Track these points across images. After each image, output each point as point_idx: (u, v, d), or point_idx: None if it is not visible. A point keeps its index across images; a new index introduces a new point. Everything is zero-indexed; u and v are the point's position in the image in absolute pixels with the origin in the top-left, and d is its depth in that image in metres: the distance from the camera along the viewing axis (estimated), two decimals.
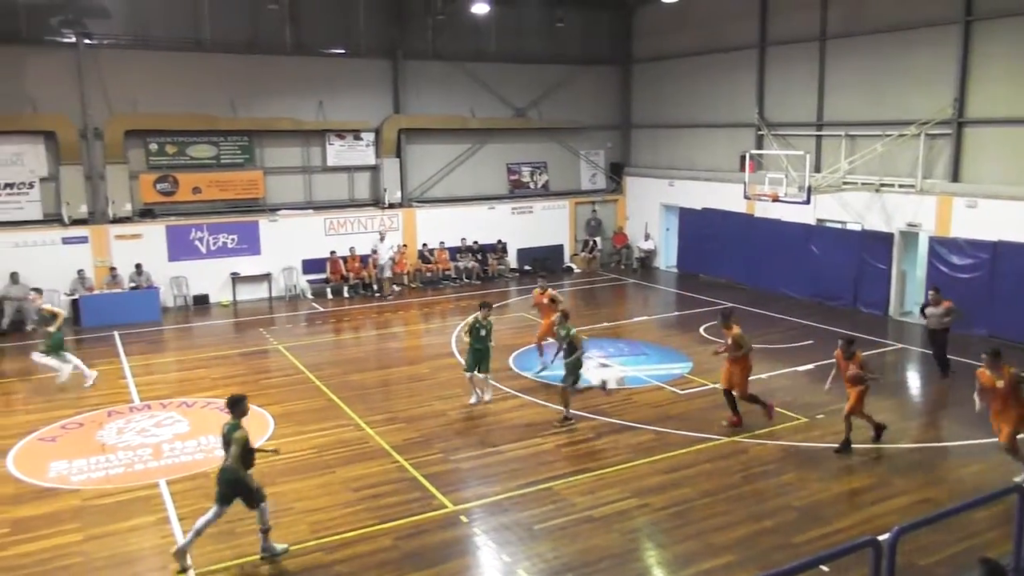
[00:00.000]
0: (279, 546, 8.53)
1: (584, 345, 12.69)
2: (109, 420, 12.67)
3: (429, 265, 23.93)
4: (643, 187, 26.81)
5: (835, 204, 20.13)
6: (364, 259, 22.78)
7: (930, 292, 14.69)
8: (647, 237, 26.24)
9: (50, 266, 19.29)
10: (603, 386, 13.00)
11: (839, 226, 20.25)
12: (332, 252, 22.30)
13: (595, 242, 26.70)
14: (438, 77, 24.32)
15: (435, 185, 25.19)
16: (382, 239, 22.58)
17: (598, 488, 10.08)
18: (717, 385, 12.91)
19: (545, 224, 26.15)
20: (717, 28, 23.50)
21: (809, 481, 10.24)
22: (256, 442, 11.40)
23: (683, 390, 13.82)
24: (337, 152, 23.57)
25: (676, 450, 11.24)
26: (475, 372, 13.00)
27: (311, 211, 22.97)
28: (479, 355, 12.89)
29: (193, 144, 21.64)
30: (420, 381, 14.69)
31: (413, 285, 23.51)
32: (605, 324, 18.94)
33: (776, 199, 19.62)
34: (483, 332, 12.76)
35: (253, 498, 8.38)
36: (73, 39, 19.78)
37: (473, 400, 13.14)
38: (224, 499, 8.26)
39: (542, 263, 25.65)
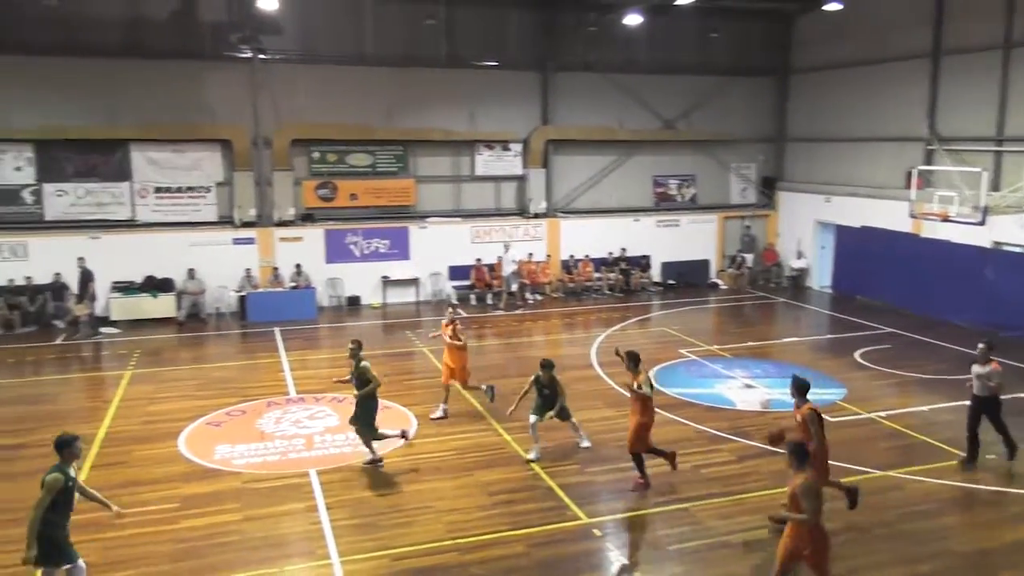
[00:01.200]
0: None
1: (375, 380, 10.98)
2: (268, 410, 13.51)
3: (571, 276, 23.99)
4: (797, 202, 25.72)
5: (1016, 226, 18.49)
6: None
7: (980, 345, 11.11)
8: (799, 255, 25.13)
9: (222, 264, 20.87)
10: (403, 434, 11.51)
11: (1020, 250, 18.58)
12: (478, 260, 22.80)
13: (744, 258, 25.86)
14: (587, 88, 24.39)
15: (580, 196, 25.25)
16: (506, 249, 22.57)
17: (736, 513, 9.73)
18: (874, 415, 12.15)
19: (691, 238, 25.60)
20: (884, 37, 22.21)
21: (975, 526, 9.45)
22: (397, 443, 11.84)
23: (834, 417, 13.11)
24: (485, 162, 24.11)
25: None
26: (542, 418, 11.41)
27: (458, 219, 23.61)
28: (548, 403, 11.45)
29: (352, 152, 22.79)
30: None
31: (555, 295, 23.64)
32: (751, 343, 18.29)
33: (946, 219, 18.27)
34: (546, 391, 11.45)
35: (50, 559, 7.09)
36: (249, 55, 21.33)
37: (582, 440, 11.85)
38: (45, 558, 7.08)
39: (686, 278, 25.14)
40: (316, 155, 22.55)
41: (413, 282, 22.79)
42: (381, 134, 22.70)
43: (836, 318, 21.09)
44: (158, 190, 21.23)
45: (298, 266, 21.38)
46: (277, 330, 19.38)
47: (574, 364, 16.49)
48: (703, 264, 25.81)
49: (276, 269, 21.34)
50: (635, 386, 10.22)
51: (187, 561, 8.63)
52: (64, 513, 7.15)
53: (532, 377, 11.48)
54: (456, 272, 23.11)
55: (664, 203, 26.14)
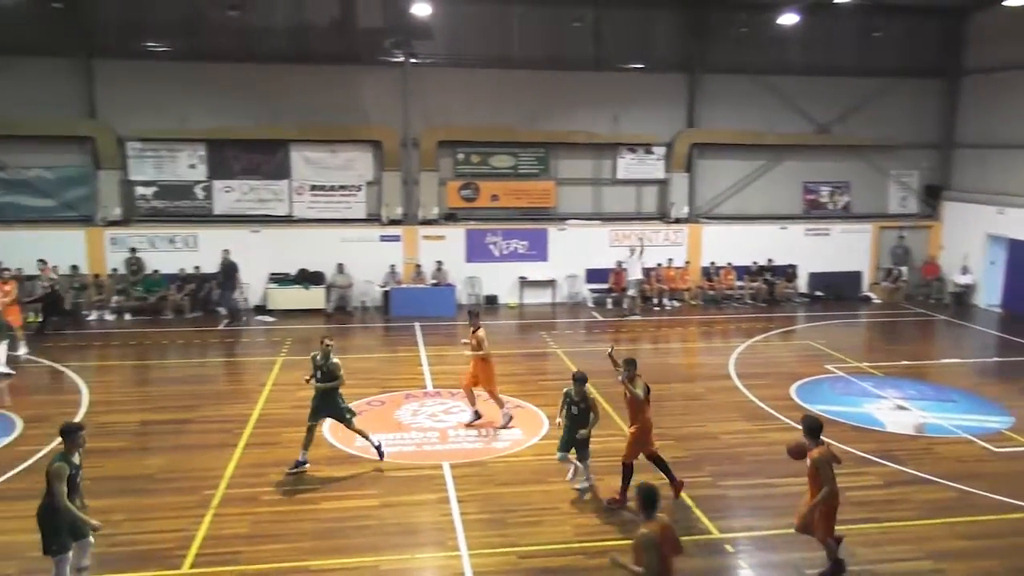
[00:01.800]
0: None
1: (341, 376, 11.02)
2: (406, 402, 14.00)
3: (712, 283, 23.38)
4: (964, 213, 23.86)
5: None
6: (648, 272, 22.88)
7: None
8: (965, 270, 23.30)
9: (368, 260, 21.81)
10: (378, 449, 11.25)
11: None
12: (618, 263, 22.62)
13: (900, 271, 24.29)
14: (735, 90, 23.67)
15: (725, 201, 24.55)
16: (632, 253, 21.92)
17: (884, 542, 9.16)
18: None
19: (843, 248, 24.30)
20: None
21: None
22: (529, 441, 11.96)
23: (999, 447, 12.09)
24: (627, 165, 23.90)
25: (983, 514, 9.86)
26: (567, 452, 10.45)
27: (598, 222, 23.54)
28: (578, 421, 10.27)
29: (495, 154, 23.21)
30: (694, 400, 14.39)
31: (694, 302, 23.11)
32: (906, 362, 17.14)
33: None
34: (575, 411, 10.20)
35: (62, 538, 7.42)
36: (401, 59, 22.15)
37: (577, 482, 10.57)
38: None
39: (835, 290, 23.91)
40: (461, 156, 23.13)
41: (550, 284, 22.92)
42: (524, 136, 22.99)
43: (1005, 340, 19.42)
44: (313, 188, 22.45)
45: (439, 264, 22.00)
46: (417, 325, 20.02)
47: (711, 374, 16.08)
48: (855, 276, 24.46)
49: (419, 266, 22.06)
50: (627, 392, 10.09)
51: (327, 540, 9.08)
52: (71, 496, 7.39)
53: (564, 392, 10.39)
54: (593, 275, 23.05)
55: (814, 211, 24.97)
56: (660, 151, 23.85)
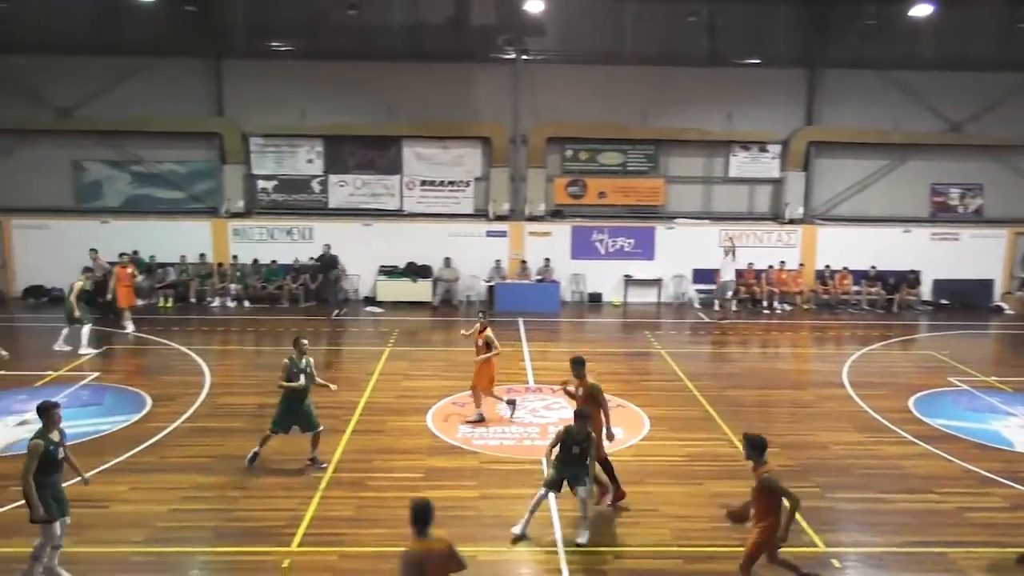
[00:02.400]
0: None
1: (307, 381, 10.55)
2: (508, 396, 14.09)
3: (827, 287, 22.47)
4: None
5: None
6: (758, 274, 22.23)
7: None
8: None
9: (475, 255, 22.13)
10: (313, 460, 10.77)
11: None
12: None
13: None
14: (858, 86, 22.64)
15: (843, 203, 23.54)
16: (727, 254, 21.12)
17: (1007, 569, 8.57)
18: None
19: (973, 254, 22.85)
20: None
21: None
22: (629, 441, 11.85)
23: None
24: (740, 163, 23.27)
25: None
26: (559, 491, 9.24)
27: (707, 221, 23.02)
28: (575, 465, 9.09)
29: (604, 151, 23.07)
30: (803, 407, 13.88)
31: (806, 307, 22.28)
32: None
33: None
34: (576, 449, 9.04)
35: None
36: (513, 56, 22.32)
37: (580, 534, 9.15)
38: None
39: (962, 298, 22.52)
40: (569, 153, 23.11)
41: (656, 283, 22.61)
42: (634, 133, 22.74)
43: None
44: (424, 183, 22.95)
45: (547, 260, 22.06)
46: (521, 320, 20.16)
47: (822, 381, 15.46)
48: (985, 284, 22.97)
49: (524, 262, 22.20)
50: (577, 390, 9.92)
51: None
52: (48, 473, 7.64)
53: (562, 428, 9.21)
54: (701, 275, 22.57)
55: (942, 214, 23.60)
56: (775, 149, 23.11)
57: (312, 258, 21.97)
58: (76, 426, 12.25)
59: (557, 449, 9.10)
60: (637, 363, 16.87)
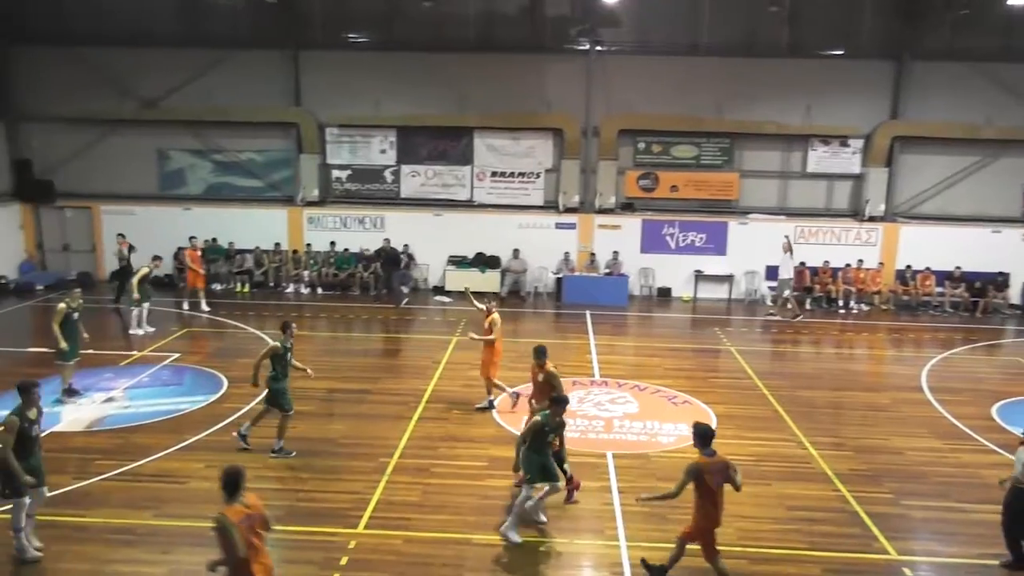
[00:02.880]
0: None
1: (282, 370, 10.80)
2: (572, 389, 14.06)
3: (907, 288, 21.68)
4: None
5: None
6: (835, 272, 21.62)
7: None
8: None
9: (543, 246, 22.15)
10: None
11: None
12: (801, 263, 21.52)
13: None
14: (949, 79, 21.67)
15: (927, 200, 22.65)
16: (786, 251, 20.55)
17: None
18: None
19: None
20: None
21: None
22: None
23: None
24: (819, 158, 22.61)
25: None
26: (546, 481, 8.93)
27: (782, 217, 22.47)
28: (545, 458, 8.92)
29: (677, 144, 22.73)
30: (878, 411, 13.45)
31: (885, 307, 21.55)
32: None
33: None
34: (551, 438, 8.96)
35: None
36: (586, 47, 22.18)
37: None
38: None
39: None
40: (641, 145, 22.86)
41: (727, 279, 22.22)
42: (709, 126, 22.34)
43: None
44: (494, 174, 23.04)
45: (615, 253, 21.91)
46: (588, 313, 20.08)
47: (899, 384, 14.97)
48: None
49: (593, 255, 22.10)
50: (537, 376, 10.27)
51: (489, 516, 9.36)
52: (27, 448, 7.99)
53: (537, 418, 8.88)
54: (774, 272, 21.99)
55: None
56: (857, 144, 22.37)
57: (363, 248, 22.21)
58: (158, 404, 12.81)
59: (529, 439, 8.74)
60: (705, 360, 16.63)
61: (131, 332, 17.09)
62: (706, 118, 22.24)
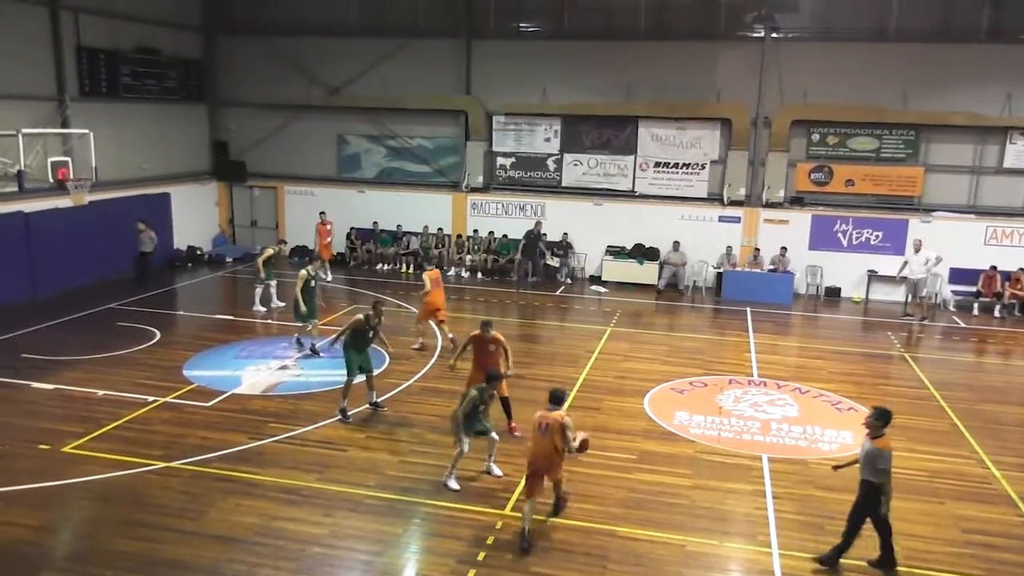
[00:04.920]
0: None
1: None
2: (729, 387, 13.69)
3: None
4: None
5: None
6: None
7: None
8: None
9: (704, 240, 21.58)
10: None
11: None
12: (992, 267, 19.71)
13: None
14: None
15: None
16: (916, 251, 18.97)
17: None
18: None
19: None
20: None
21: None
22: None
23: None
24: (1018, 153, 20.55)
25: None
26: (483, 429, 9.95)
27: (971, 216, 20.64)
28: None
29: (855, 136, 21.39)
30: None
31: None
32: None
33: None
34: (482, 408, 9.73)
35: None
36: (761, 34, 21.28)
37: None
38: None
39: None
40: (815, 137, 21.70)
41: (904, 280, 20.68)
42: (891, 117, 20.84)
43: None
44: (657, 165, 22.65)
45: (783, 249, 20.98)
46: (749, 310, 19.39)
47: None
48: None
49: (757, 250, 21.27)
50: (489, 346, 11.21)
51: (636, 510, 9.29)
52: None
53: (473, 393, 9.64)
54: (958, 275, 20.33)
55: None
56: None
57: (492, 238, 22.53)
58: (326, 375, 13.65)
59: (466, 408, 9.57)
60: (876, 365, 15.61)
61: (254, 309, 17.88)
62: (889, 108, 20.76)
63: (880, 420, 8.01)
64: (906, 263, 19.43)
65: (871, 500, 7.89)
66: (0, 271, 17.29)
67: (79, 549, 8.34)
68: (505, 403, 11.27)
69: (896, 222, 20.83)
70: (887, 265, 20.77)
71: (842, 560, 8.15)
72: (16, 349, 14.47)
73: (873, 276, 20.89)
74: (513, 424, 11.31)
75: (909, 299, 19.50)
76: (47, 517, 8.88)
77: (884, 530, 8.03)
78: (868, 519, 7.99)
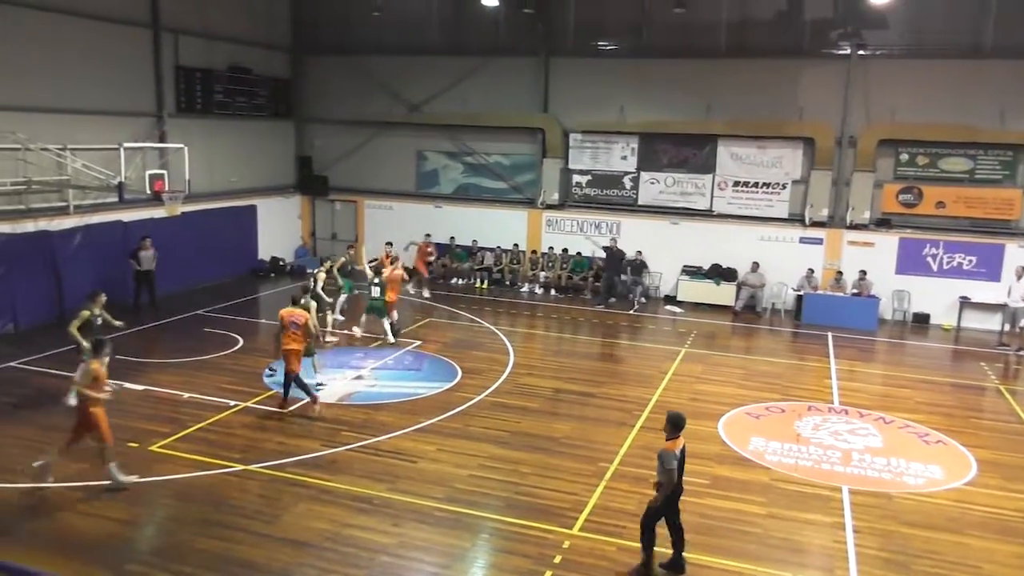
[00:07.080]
0: None
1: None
2: (808, 414, 13.25)
3: None
4: None
5: None
6: None
7: None
8: None
9: (784, 261, 21.01)
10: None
11: None
12: None
13: None
14: None
15: None
16: (1019, 278, 17.98)
17: None
18: None
19: None
20: None
21: None
22: (949, 484, 10.52)
23: None
24: None
25: None
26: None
27: None
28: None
29: (947, 156, 20.54)
30: None
31: None
32: None
33: None
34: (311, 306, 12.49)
35: None
36: (847, 51, 20.72)
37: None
38: None
39: None
40: (904, 157, 20.94)
41: (1000, 308, 19.68)
42: (987, 136, 19.93)
43: None
44: (736, 184, 22.23)
45: (863, 272, 20.28)
46: (830, 335, 18.77)
47: None
48: None
49: (840, 273, 20.60)
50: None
51: (707, 536, 9.06)
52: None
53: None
54: None
55: None
56: None
57: (595, 252, 22.34)
58: (399, 387, 13.83)
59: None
60: (967, 397, 14.87)
61: (333, 318, 17.42)
62: (985, 128, 19.88)
63: (670, 424, 8.59)
64: (1011, 289, 18.53)
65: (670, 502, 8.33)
66: (99, 276, 18.08)
67: (160, 545, 8.64)
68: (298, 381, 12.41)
69: (992, 246, 19.89)
70: (981, 291, 19.84)
71: None
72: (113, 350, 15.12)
73: (966, 303, 19.97)
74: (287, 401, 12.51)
75: (1006, 328, 18.59)
76: (134, 512, 9.23)
77: (677, 533, 8.29)
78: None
